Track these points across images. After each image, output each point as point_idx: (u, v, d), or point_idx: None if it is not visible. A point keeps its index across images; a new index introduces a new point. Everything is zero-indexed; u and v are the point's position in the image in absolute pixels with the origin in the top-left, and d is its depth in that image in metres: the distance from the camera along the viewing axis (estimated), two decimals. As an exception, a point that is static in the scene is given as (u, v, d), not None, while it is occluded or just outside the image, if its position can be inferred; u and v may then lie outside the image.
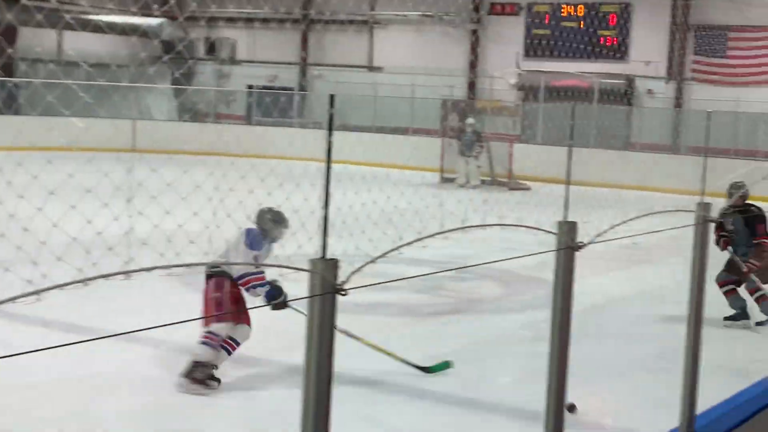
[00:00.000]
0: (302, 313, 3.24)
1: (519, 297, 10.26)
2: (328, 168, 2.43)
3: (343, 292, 2.27)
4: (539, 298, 9.66)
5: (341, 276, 2.32)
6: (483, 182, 22.50)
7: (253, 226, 6.62)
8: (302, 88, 32.31)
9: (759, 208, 9.20)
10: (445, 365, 6.96)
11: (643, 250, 13.04)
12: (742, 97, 25.80)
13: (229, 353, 6.50)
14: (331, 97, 2.65)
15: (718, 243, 9.15)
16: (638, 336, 8.70)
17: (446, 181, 22.91)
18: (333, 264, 2.26)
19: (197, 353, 6.36)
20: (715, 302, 8.70)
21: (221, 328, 6.46)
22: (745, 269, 9.08)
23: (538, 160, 20.13)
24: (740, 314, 9.09)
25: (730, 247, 9.20)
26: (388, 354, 6.84)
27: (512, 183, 22.52)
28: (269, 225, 6.61)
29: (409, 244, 3.29)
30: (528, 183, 22.13)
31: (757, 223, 9.18)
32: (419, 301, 9.72)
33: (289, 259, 3.64)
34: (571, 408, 5.62)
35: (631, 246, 12.33)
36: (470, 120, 23.18)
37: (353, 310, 7.32)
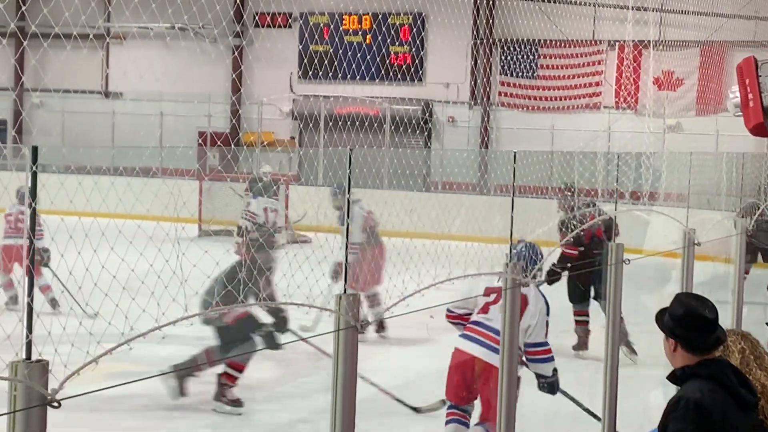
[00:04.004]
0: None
1: (300, 380, 10.32)
2: (33, 228, 2.30)
3: (56, 404, 2.14)
4: (326, 380, 9.73)
5: (56, 380, 2.19)
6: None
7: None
8: (18, 120, 31.28)
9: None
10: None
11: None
12: (557, 125, 27.14)
13: None
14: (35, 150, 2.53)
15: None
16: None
17: (207, 234, 22.67)
18: (41, 368, 2.13)
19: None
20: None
21: None
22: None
23: (320, 205, 20.31)
24: None
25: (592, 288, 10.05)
26: None
27: (290, 234, 22.57)
28: None
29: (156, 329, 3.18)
30: (308, 234, 22.27)
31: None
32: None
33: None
34: None
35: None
36: (266, 168, 22.99)
37: (85, 406, 7.05)
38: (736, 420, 4.17)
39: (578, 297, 11.59)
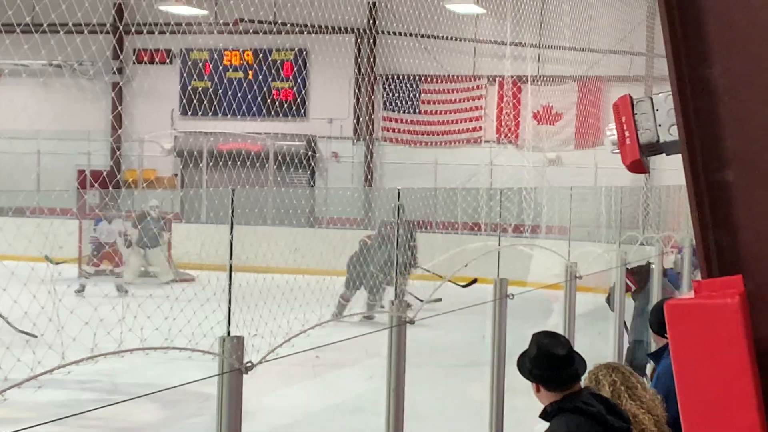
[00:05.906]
0: None
1: (186, 421, 10.18)
2: None
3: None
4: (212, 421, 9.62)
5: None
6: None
7: None
8: None
9: None
10: None
11: (335, 351, 13.31)
12: (440, 159, 27.39)
13: None
14: None
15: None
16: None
17: (90, 275, 22.26)
18: None
19: None
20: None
21: None
22: None
23: (203, 243, 20.10)
24: None
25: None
26: None
27: (173, 273, 22.33)
28: None
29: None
30: (192, 272, 22.04)
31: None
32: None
33: None
34: None
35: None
36: (154, 202, 22.78)
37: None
38: None
39: None
